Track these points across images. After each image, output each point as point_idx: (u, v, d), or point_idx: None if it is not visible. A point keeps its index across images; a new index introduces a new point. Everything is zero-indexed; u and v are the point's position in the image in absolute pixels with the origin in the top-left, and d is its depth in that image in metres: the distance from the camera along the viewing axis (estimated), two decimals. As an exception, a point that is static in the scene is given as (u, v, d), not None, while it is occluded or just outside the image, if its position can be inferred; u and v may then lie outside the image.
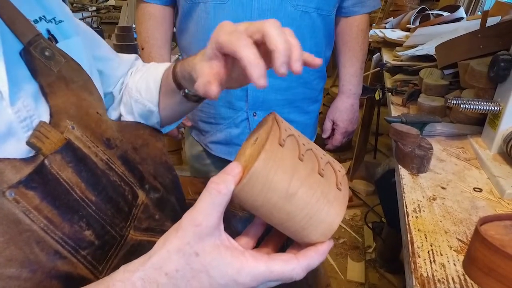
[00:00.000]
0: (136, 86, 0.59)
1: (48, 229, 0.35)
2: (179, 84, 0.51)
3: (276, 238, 0.37)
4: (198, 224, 0.29)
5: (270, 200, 0.30)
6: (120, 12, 4.27)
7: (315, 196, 0.31)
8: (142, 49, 0.95)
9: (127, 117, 0.61)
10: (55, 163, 0.38)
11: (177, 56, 1.99)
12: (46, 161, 0.37)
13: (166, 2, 0.91)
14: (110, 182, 0.45)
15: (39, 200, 0.35)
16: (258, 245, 0.37)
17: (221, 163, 1.03)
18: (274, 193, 0.30)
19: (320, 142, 1.14)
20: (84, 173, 0.41)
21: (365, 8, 0.95)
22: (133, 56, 0.66)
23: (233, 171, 0.31)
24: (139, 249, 0.46)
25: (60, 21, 0.48)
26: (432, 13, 2.12)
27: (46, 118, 0.41)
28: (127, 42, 2.30)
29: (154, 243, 0.48)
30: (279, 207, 0.30)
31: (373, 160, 2.39)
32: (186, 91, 0.50)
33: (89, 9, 4.91)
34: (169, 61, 0.98)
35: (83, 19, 3.76)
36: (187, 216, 0.30)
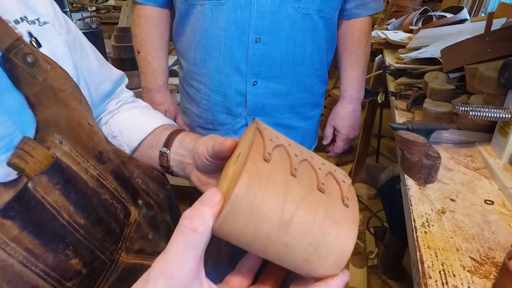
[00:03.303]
0: (120, 126, 0.56)
1: (28, 262, 0.32)
2: (168, 168, 0.50)
3: (276, 271, 0.32)
4: (170, 276, 0.24)
5: (260, 232, 0.24)
6: (120, 12, 4.25)
7: (317, 219, 0.25)
8: (138, 52, 0.92)
9: None
10: (40, 185, 0.34)
11: (176, 58, 1.96)
12: (29, 184, 0.33)
13: (162, 4, 0.88)
14: (101, 201, 0.42)
15: (19, 230, 0.32)
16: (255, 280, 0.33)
17: (220, 170, 1.00)
18: (264, 222, 0.24)
19: (321, 148, 1.11)
20: (73, 195, 0.38)
21: (368, 10, 0.92)
22: (120, 73, 0.61)
23: (211, 200, 0.24)
24: (131, 274, 0.42)
25: (45, 23, 0.44)
26: (434, 15, 2.09)
27: (30, 133, 0.37)
28: (125, 43, 2.27)
29: (146, 266, 0.45)
30: (274, 239, 0.25)
31: (375, 163, 2.36)
32: (170, 171, 0.49)
33: (89, 9, 4.88)
34: (166, 65, 0.95)
35: (82, 19, 3.73)
36: (157, 265, 0.24)
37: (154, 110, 0.62)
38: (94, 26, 3.61)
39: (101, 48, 2.77)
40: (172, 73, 2.35)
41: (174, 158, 0.51)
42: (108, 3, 4.97)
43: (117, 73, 0.61)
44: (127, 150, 0.55)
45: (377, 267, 1.63)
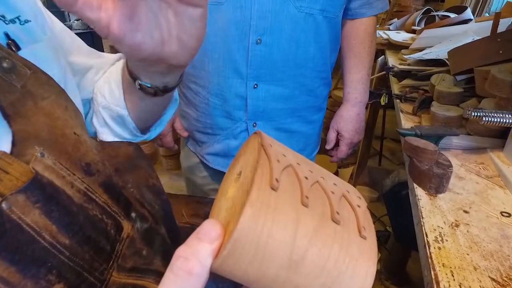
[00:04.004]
0: (100, 91, 0.52)
1: None
2: (132, 74, 0.43)
3: None
4: None
5: (266, 272, 0.21)
6: (118, 12, 4.21)
7: (332, 256, 0.22)
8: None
9: (102, 131, 0.54)
10: (16, 205, 0.31)
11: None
12: (4, 205, 0.30)
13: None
14: (88, 218, 0.38)
15: None
16: None
17: (218, 176, 0.96)
18: (271, 263, 0.21)
19: (324, 152, 1.08)
20: (55, 213, 0.34)
21: (373, 10, 0.88)
22: (116, 56, 0.58)
23: (208, 235, 0.21)
24: None
25: (27, 21, 0.40)
26: (437, 15, 2.05)
27: (6, 147, 0.33)
28: (123, 44, 2.24)
29: (140, 287, 0.41)
30: (282, 281, 0.21)
31: (377, 166, 2.32)
32: (140, 82, 0.43)
33: (87, 9, 4.83)
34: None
35: (81, 19, 3.69)
36: None
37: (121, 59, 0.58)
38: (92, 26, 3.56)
39: (99, 48, 2.74)
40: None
41: (131, 64, 0.44)
42: (107, 3, 4.93)
43: (112, 58, 0.58)
44: (122, 111, 0.50)
45: (380, 273, 1.59)
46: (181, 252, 0.21)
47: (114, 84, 0.50)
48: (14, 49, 0.37)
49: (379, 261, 1.65)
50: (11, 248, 0.30)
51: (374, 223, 1.82)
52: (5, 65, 0.34)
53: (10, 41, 0.37)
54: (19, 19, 0.40)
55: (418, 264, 1.73)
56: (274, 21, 0.73)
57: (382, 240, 1.70)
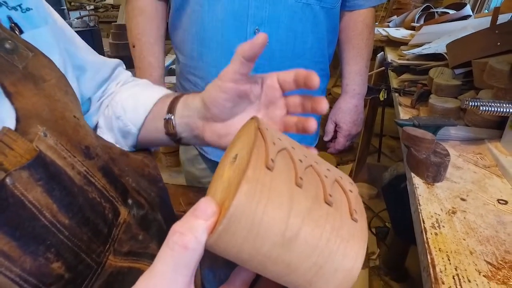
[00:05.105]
0: (122, 104, 0.53)
1: (2, 266, 0.29)
2: (175, 132, 0.47)
3: (271, 285, 0.28)
4: None
5: (260, 249, 0.21)
6: (118, 11, 4.21)
7: (324, 236, 0.23)
8: (134, 46, 0.89)
9: (106, 132, 0.55)
10: (20, 181, 0.31)
11: (173, 57, 1.93)
12: (7, 180, 0.30)
13: (157, -5, 0.84)
14: (88, 200, 0.38)
15: None
16: None
17: (217, 168, 0.96)
18: (265, 239, 0.21)
19: (322, 145, 1.08)
20: (56, 192, 0.34)
21: (371, 1, 0.88)
22: (116, 61, 0.59)
23: (204, 212, 0.21)
24: (119, 278, 0.39)
25: (28, 9, 0.41)
26: (437, 11, 2.05)
27: (11, 124, 0.34)
28: (123, 41, 2.24)
29: (136, 270, 0.41)
30: (275, 258, 0.22)
31: (376, 163, 2.32)
32: (178, 137, 0.47)
33: (87, 7, 4.84)
34: (162, 59, 0.91)
35: (80, 18, 3.69)
36: (143, 284, 0.21)
37: (155, 85, 0.59)
38: (92, 24, 3.57)
39: (98, 46, 2.74)
40: (169, 72, 2.32)
41: (180, 122, 0.47)
42: (107, 1, 4.93)
43: (112, 61, 0.59)
44: (134, 129, 0.52)
45: (379, 268, 1.59)
46: (177, 227, 0.21)
47: (142, 108, 0.51)
48: (17, 32, 0.37)
49: (378, 256, 1.65)
50: (13, 223, 0.30)
51: (372, 218, 1.82)
52: (7, 46, 0.35)
53: (13, 24, 0.37)
54: (20, 7, 0.40)
55: (417, 259, 1.72)
56: (272, 11, 0.73)
57: (381, 235, 1.71)
